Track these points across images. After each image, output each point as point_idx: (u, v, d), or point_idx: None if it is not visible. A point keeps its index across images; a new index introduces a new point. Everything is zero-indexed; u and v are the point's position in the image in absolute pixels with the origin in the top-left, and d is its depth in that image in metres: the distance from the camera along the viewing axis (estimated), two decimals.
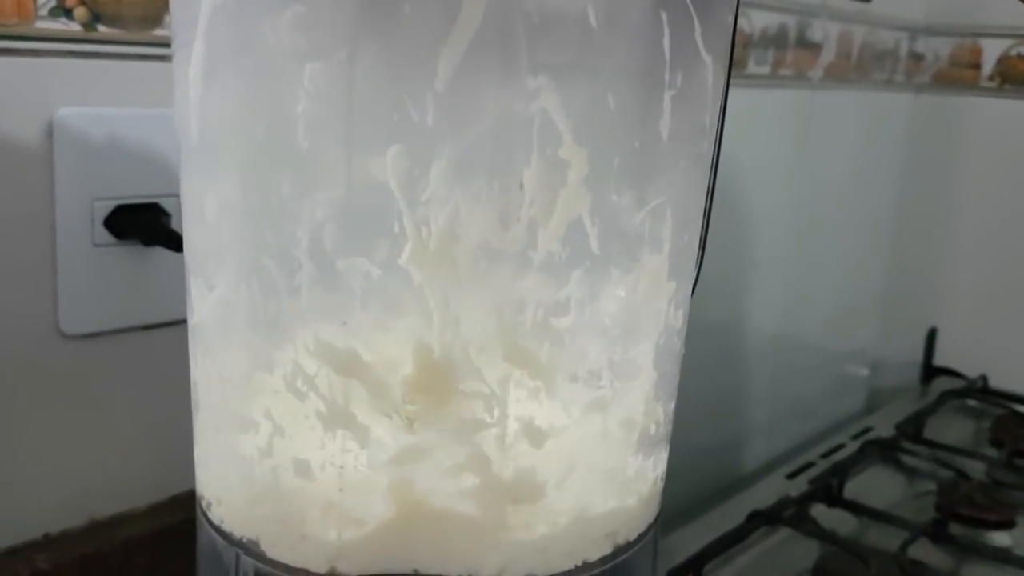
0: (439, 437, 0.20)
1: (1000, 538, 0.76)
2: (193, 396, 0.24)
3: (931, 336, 1.08)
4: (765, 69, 0.86)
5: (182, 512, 0.50)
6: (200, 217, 0.22)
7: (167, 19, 0.46)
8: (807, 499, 0.75)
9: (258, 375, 0.21)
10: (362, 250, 0.20)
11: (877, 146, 1.02)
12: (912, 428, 0.91)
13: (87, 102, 0.44)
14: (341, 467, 0.21)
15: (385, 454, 0.21)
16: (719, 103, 0.23)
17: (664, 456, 0.25)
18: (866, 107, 0.97)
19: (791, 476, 0.81)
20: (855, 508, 0.76)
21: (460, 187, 0.19)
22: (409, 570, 0.22)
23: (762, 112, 0.86)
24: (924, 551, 0.70)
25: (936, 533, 0.72)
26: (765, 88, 0.86)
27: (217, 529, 0.23)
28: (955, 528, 0.74)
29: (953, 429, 0.95)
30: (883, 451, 0.87)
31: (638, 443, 0.24)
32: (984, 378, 1.04)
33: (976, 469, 0.84)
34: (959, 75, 1.07)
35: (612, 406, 0.22)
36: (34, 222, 0.43)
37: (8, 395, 0.44)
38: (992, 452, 0.89)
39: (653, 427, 0.24)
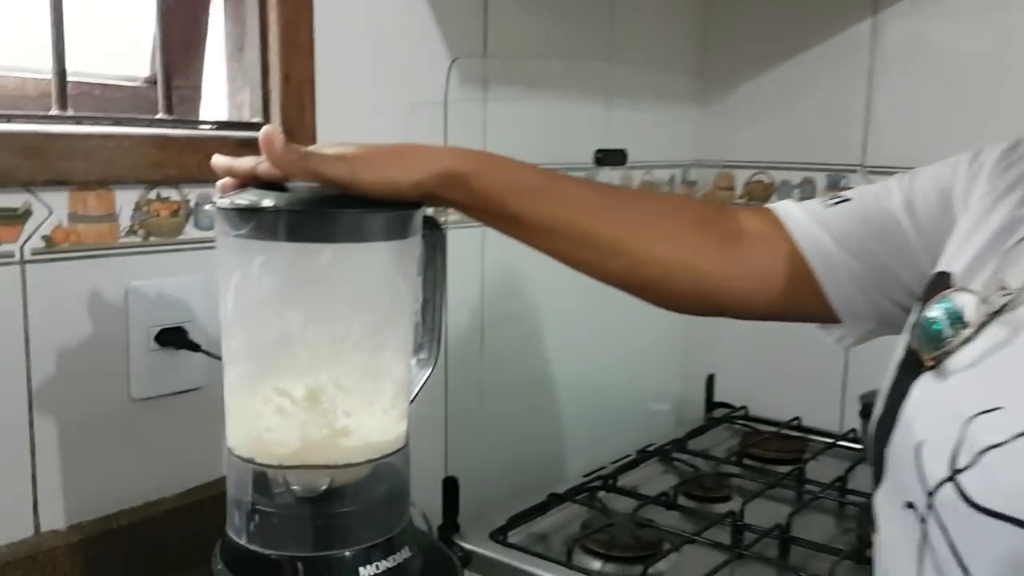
0: (315, 417, 0.62)
1: (719, 508, 1.17)
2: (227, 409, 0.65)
3: (710, 380, 1.51)
4: None
5: (196, 496, 0.89)
6: (230, 346, 0.63)
7: (185, 232, 0.87)
8: (592, 487, 1.16)
9: (249, 400, 0.63)
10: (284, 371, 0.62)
11: None
12: (681, 442, 1.33)
13: (145, 277, 0.85)
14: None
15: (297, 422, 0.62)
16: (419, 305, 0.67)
17: (404, 424, 0.67)
18: None
19: (587, 475, 1.22)
20: (623, 492, 1.17)
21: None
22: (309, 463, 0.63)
23: None
24: (660, 515, 1.11)
25: (668, 503, 1.13)
26: None
27: (233, 453, 0.64)
28: (684, 500, 1.15)
29: (713, 442, 1.37)
30: (655, 457, 1.29)
31: (393, 417, 0.65)
32: (745, 407, 1.47)
33: (712, 466, 1.26)
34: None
35: (379, 402, 0.64)
36: (116, 339, 0.83)
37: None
38: (728, 456, 1.31)
39: (397, 412, 0.65)
